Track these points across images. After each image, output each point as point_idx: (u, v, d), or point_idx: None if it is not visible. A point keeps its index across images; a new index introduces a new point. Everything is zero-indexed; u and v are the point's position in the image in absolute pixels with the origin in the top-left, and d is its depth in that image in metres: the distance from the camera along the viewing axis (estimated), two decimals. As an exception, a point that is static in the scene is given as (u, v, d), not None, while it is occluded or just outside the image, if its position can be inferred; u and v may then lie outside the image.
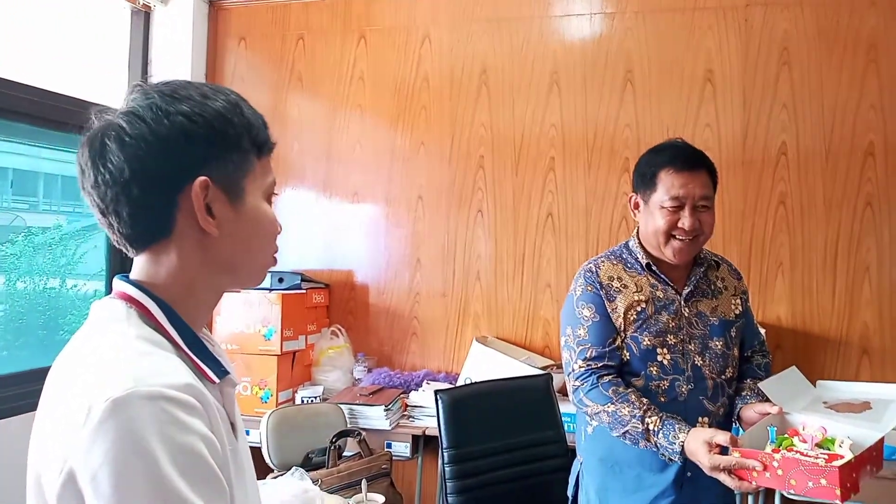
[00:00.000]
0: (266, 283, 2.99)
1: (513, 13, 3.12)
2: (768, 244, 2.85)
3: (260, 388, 2.88)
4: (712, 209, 1.67)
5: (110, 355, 0.75)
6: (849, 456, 1.30)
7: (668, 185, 1.62)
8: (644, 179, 1.69)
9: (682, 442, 1.46)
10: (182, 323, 0.82)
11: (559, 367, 2.84)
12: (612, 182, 3.00)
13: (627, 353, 1.65)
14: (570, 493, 1.88)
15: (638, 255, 1.72)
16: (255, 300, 2.92)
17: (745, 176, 2.86)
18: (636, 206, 1.73)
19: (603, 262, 1.74)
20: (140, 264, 0.84)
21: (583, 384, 1.63)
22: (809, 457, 1.31)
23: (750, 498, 2.64)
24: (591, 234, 3.02)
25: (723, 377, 1.69)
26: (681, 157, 1.64)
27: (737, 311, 1.74)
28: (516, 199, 3.10)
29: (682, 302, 1.68)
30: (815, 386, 1.65)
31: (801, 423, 1.46)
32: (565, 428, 2.49)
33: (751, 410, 1.61)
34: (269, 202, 0.89)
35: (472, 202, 3.16)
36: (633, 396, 1.58)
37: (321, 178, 3.35)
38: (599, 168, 3.01)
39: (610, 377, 1.62)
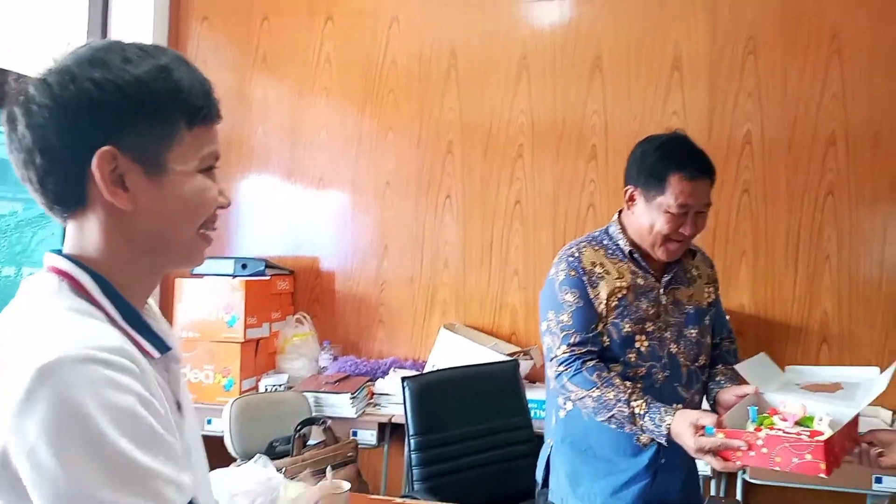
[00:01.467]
0: (229, 268, 2.93)
1: (482, -3, 3.09)
2: (732, 232, 2.88)
3: (223, 376, 2.83)
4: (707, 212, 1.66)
5: (38, 327, 0.72)
6: (828, 432, 1.31)
7: (677, 192, 1.58)
8: (650, 178, 1.62)
9: (669, 424, 1.47)
10: (117, 295, 0.78)
11: (526, 353, 2.84)
12: (579, 169, 3.00)
13: (607, 339, 1.64)
14: (539, 476, 1.87)
15: (620, 242, 1.71)
16: (217, 286, 2.86)
17: (711, 164, 2.88)
18: (632, 198, 1.68)
19: (584, 247, 1.72)
20: (69, 237, 0.81)
21: (567, 369, 1.61)
22: (792, 434, 1.32)
23: (712, 481, 2.68)
24: (559, 221, 3.02)
25: (696, 364, 1.71)
26: (694, 164, 1.60)
27: (710, 300, 1.76)
28: (485, 185, 3.09)
29: (662, 290, 1.69)
30: (783, 371, 1.67)
31: (780, 402, 1.47)
32: (532, 414, 2.50)
33: (728, 394, 1.63)
34: (210, 175, 0.83)
35: (440, 188, 3.13)
36: (618, 380, 1.58)
37: (286, 163, 3.29)
38: (567, 155, 3.01)
39: (594, 362, 1.61)
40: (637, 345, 1.64)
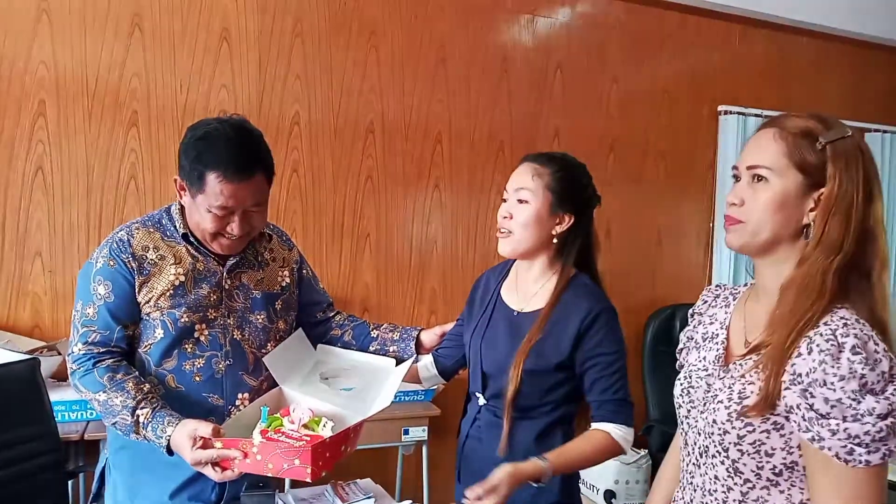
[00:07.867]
0: None
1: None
2: (282, 212, 2.92)
3: None
4: (265, 207, 1.53)
5: None
6: (328, 436, 1.36)
7: (216, 192, 1.40)
8: (191, 174, 1.42)
9: (170, 436, 1.38)
10: None
11: (52, 348, 2.44)
12: (117, 137, 2.66)
13: (161, 332, 1.49)
14: (94, 490, 1.65)
15: (177, 223, 1.54)
16: None
17: (262, 142, 2.86)
18: (182, 188, 1.48)
19: (138, 228, 1.53)
20: None
21: (79, 368, 1.46)
22: (293, 438, 1.34)
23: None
24: (94, 195, 2.65)
25: (263, 351, 1.62)
26: (235, 162, 1.40)
27: (283, 284, 1.68)
28: (-4, 148, 2.53)
29: (225, 274, 1.56)
30: (315, 349, 1.69)
31: (293, 403, 1.50)
32: (59, 417, 2.19)
33: (430, 334, 1.70)
34: None
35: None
36: (131, 384, 1.44)
37: None
38: (103, 120, 2.65)
39: (110, 362, 1.46)
40: (197, 334, 1.52)
